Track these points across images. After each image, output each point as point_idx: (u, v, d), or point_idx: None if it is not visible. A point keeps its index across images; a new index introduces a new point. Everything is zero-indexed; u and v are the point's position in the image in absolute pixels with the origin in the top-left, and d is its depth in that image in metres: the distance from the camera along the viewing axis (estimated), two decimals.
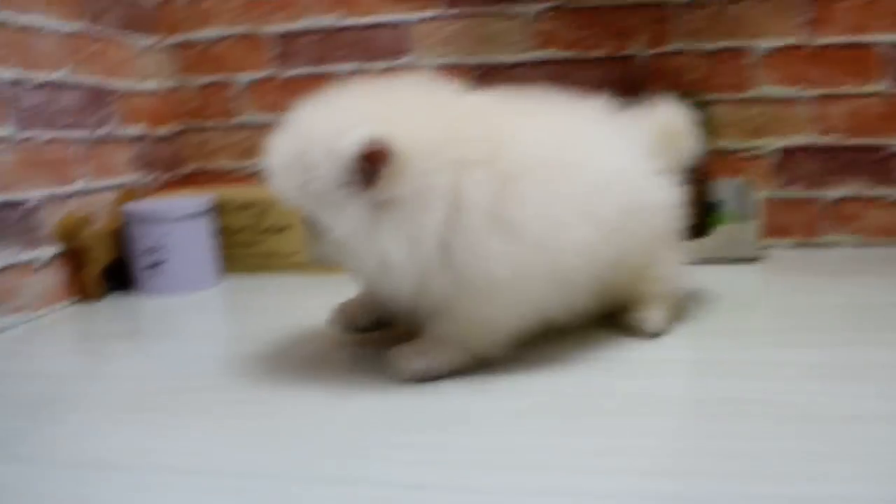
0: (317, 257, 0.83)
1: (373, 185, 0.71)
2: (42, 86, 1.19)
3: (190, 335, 1.05)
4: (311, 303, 1.11)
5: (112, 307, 1.21)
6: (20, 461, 0.66)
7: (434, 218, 0.73)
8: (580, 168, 0.80)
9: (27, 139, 1.16)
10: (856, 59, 1.33)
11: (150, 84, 1.50)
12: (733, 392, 0.73)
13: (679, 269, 0.97)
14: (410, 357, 0.80)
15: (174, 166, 1.58)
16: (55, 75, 1.22)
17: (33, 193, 1.16)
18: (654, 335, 0.90)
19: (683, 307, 0.98)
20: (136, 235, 1.25)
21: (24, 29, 1.16)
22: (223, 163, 1.58)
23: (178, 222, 1.25)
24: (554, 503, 0.55)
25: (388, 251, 0.73)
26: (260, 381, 0.84)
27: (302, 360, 0.90)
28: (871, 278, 1.14)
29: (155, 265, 1.25)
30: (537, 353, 0.86)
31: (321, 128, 0.74)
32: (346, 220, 0.74)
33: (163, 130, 1.53)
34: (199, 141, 1.58)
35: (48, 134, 1.20)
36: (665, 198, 0.90)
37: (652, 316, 0.91)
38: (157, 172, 1.51)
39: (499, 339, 0.81)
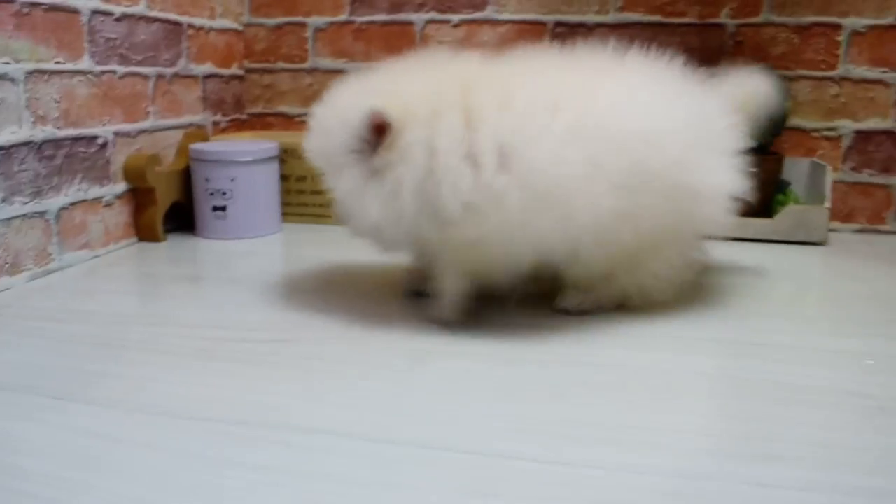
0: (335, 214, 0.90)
1: (373, 153, 0.80)
2: (121, 18, 1.17)
3: (254, 283, 1.04)
4: (375, 257, 1.10)
5: (175, 249, 1.21)
6: (98, 404, 0.66)
7: (411, 172, 0.79)
8: (560, 104, 0.80)
9: (104, 73, 1.14)
10: None
11: (223, 22, 1.47)
12: (786, 377, 0.73)
13: (673, 274, 0.92)
14: (436, 304, 0.88)
15: (239, 107, 1.56)
16: (135, 8, 1.20)
17: (106, 129, 1.15)
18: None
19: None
20: (203, 177, 1.24)
21: None
22: (288, 107, 1.56)
23: (247, 166, 1.24)
24: (633, 480, 0.54)
25: (372, 213, 0.81)
26: (328, 335, 0.84)
27: (368, 317, 0.89)
28: None
29: (220, 208, 1.25)
30: (606, 328, 0.86)
31: (342, 100, 0.85)
32: (346, 182, 0.83)
33: (231, 70, 1.51)
34: (267, 83, 1.56)
35: (123, 69, 1.18)
36: (683, 152, 0.84)
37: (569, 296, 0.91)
38: (222, 113, 1.49)
39: (491, 274, 0.85)
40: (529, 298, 0.94)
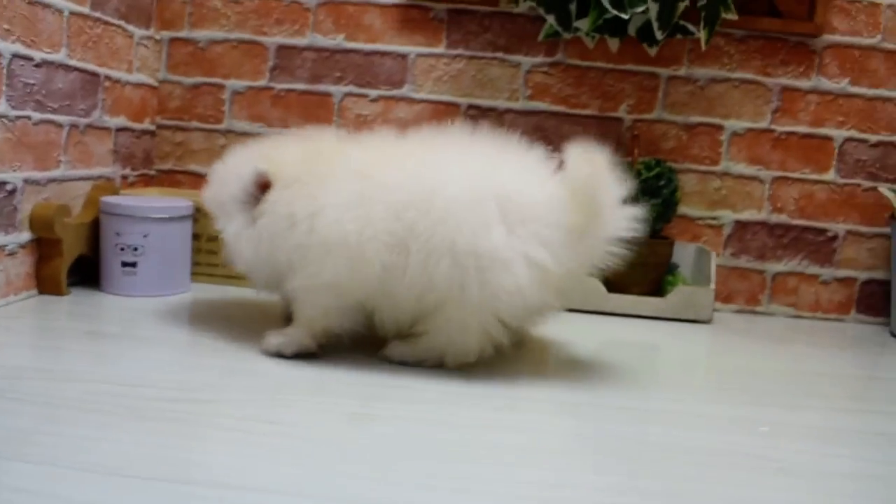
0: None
1: (255, 205, 0.99)
2: (41, 64, 1.14)
3: (171, 341, 1.02)
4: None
5: (79, 304, 1.16)
6: (32, 462, 0.63)
7: (267, 228, 0.98)
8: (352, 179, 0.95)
9: (19, 118, 1.10)
10: (812, 148, 1.47)
11: (139, 76, 1.46)
12: (685, 441, 0.80)
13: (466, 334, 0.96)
14: (269, 336, 1.00)
15: (148, 163, 1.53)
16: (55, 55, 1.18)
17: (16, 175, 1.11)
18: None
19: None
20: (114, 231, 1.21)
21: (33, 3, 1.11)
22: (199, 166, 1.54)
23: (160, 223, 1.22)
24: None
25: (246, 255, 1.00)
26: (251, 396, 0.84)
27: (289, 378, 0.91)
28: (802, 347, 1.28)
29: (129, 265, 1.21)
30: (518, 395, 0.92)
31: (237, 160, 1.05)
32: (232, 226, 1.02)
33: (142, 125, 1.49)
34: (179, 140, 1.54)
35: (39, 115, 1.15)
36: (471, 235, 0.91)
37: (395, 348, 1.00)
38: (131, 167, 1.46)
39: (324, 319, 0.99)
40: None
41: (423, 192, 0.92)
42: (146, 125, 1.51)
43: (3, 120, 1.07)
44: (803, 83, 1.47)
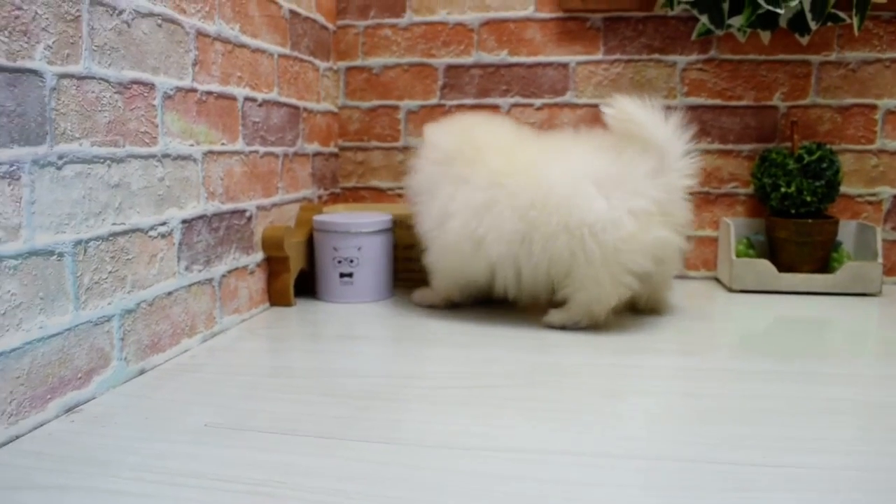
0: None
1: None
2: (262, 104, 1.30)
3: (415, 340, 1.15)
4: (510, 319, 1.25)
5: (309, 313, 1.31)
6: (362, 440, 0.76)
7: (423, 179, 1.29)
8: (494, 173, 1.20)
9: (251, 153, 1.26)
10: None
11: (325, 105, 1.61)
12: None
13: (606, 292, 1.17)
14: (415, 293, 1.38)
15: (334, 182, 1.69)
16: (270, 94, 1.33)
17: (251, 203, 1.26)
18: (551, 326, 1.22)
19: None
20: (331, 246, 1.36)
21: (255, 51, 1.27)
22: (380, 181, 1.69)
23: (370, 236, 1.36)
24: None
25: (412, 184, 1.33)
26: (515, 381, 0.95)
27: (523, 365, 1.02)
28: None
29: (347, 275, 1.36)
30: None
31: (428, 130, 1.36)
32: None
33: (329, 148, 1.65)
34: (360, 160, 1.69)
35: (263, 149, 1.30)
36: (588, 213, 1.13)
37: (554, 315, 1.22)
38: (323, 187, 1.62)
39: (445, 289, 1.32)
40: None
41: (540, 194, 1.15)
42: (331, 148, 1.66)
43: (241, 155, 1.23)
44: None
